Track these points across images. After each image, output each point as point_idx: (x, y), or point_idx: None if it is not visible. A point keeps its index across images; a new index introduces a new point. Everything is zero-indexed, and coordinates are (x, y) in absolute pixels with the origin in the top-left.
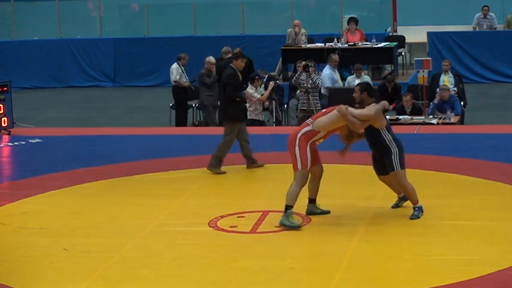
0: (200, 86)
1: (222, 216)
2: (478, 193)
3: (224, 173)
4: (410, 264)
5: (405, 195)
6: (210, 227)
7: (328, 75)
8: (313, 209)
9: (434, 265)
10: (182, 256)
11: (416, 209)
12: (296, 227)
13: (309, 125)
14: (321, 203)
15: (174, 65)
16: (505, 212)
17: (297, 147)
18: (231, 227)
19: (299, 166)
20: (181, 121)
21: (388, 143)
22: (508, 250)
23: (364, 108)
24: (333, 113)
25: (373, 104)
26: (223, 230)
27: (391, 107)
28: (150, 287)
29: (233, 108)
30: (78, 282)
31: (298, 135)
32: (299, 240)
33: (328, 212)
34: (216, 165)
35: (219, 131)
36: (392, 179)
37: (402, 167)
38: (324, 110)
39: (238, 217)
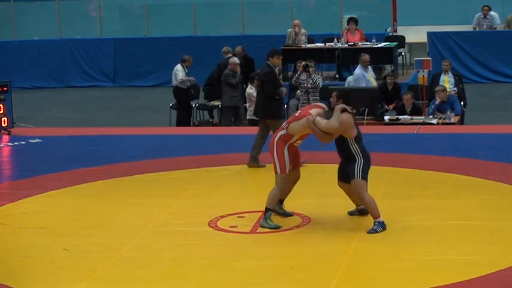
0: (224, 86)
1: (222, 216)
2: (478, 193)
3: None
4: (410, 264)
5: (365, 208)
6: (210, 227)
7: (359, 75)
8: (277, 209)
9: (434, 265)
10: (182, 256)
11: (376, 223)
12: (275, 228)
13: (284, 129)
14: (321, 202)
15: (179, 67)
16: (505, 212)
17: (274, 153)
18: (231, 227)
19: (278, 170)
20: (182, 121)
21: (353, 153)
22: (508, 250)
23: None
24: (303, 121)
25: (334, 114)
26: (223, 230)
27: (391, 106)
28: (150, 287)
29: (272, 106)
30: (78, 282)
31: (275, 140)
32: (299, 240)
33: (291, 215)
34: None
35: (219, 131)
36: (351, 188)
37: (364, 178)
38: (297, 114)
39: (238, 217)
